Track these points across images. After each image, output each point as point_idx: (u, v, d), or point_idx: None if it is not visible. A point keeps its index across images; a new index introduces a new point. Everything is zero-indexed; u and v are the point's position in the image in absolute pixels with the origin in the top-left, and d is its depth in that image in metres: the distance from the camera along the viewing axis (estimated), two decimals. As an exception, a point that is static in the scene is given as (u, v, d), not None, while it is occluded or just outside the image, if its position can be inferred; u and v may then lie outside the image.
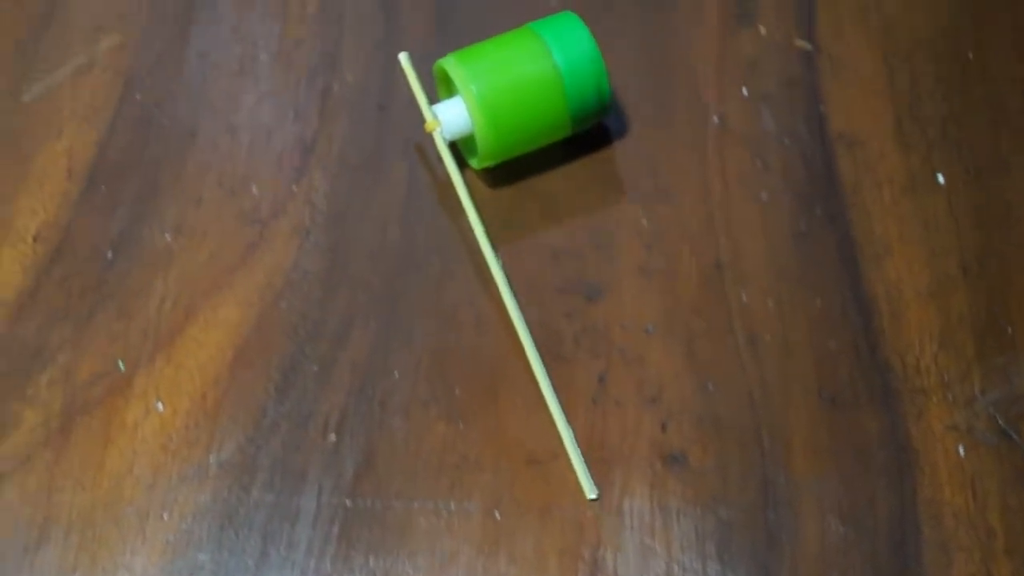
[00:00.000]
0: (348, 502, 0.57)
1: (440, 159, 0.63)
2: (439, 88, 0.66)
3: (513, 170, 0.65)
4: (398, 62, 0.65)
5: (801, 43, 0.69)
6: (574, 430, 0.58)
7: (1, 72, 0.68)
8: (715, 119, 0.66)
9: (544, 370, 0.59)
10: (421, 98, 0.64)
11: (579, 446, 0.58)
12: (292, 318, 0.61)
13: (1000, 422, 0.58)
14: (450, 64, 0.62)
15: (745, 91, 0.67)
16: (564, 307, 0.61)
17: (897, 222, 0.63)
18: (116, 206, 0.64)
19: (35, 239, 0.63)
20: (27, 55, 0.68)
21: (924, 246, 0.62)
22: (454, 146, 0.65)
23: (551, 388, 0.59)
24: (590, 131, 0.65)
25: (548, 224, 0.64)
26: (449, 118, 0.63)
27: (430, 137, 0.63)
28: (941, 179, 0.64)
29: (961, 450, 0.57)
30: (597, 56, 0.62)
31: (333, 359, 0.60)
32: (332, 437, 0.58)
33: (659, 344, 0.60)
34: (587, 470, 0.57)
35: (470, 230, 0.62)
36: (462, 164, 0.65)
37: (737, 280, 0.62)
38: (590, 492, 0.57)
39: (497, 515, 0.56)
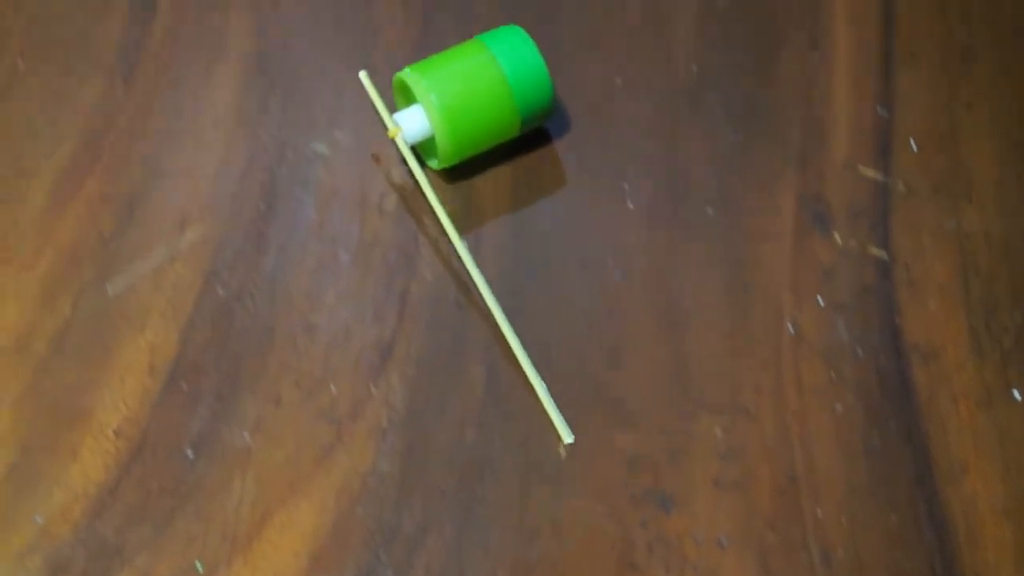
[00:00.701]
0: None
1: (403, 162, 0.71)
2: (396, 100, 0.73)
3: (586, 363, 0.65)
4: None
5: (876, 251, 0.69)
6: None
7: (87, 264, 0.69)
8: (790, 328, 0.67)
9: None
10: (382, 109, 0.71)
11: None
12: (368, 523, 0.61)
13: (1077, 645, 0.58)
14: (409, 76, 0.69)
15: (820, 300, 0.67)
16: (638, 516, 0.61)
17: (973, 437, 0.63)
18: (196, 404, 0.64)
19: (116, 435, 0.63)
20: (112, 247, 0.69)
21: (1000, 462, 0.62)
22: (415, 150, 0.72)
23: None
24: (667, 339, 0.66)
25: (623, 432, 0.64)
26: (409, 125, 0.69)
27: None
28: (1017, 395, 0.64)
29: (1037, 675, 0.57)
30: (539, 60, 0.68)
31: (409, 565, 0.60)
32: (406, 647, 0.58)
33: (733, 558, 0.60)
34: (561, 415, 0.63)
35: (545, 435, 0.62)
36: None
37: (811, 494, 0.62)
38: (566, 437, 0.62)
39: None
